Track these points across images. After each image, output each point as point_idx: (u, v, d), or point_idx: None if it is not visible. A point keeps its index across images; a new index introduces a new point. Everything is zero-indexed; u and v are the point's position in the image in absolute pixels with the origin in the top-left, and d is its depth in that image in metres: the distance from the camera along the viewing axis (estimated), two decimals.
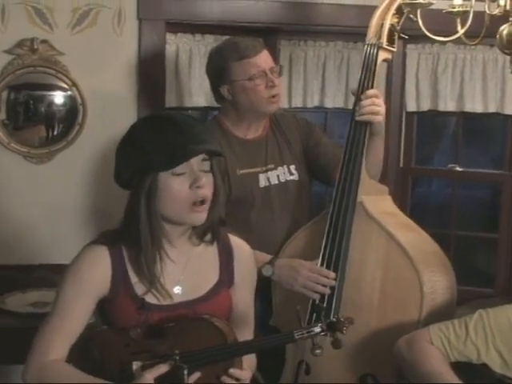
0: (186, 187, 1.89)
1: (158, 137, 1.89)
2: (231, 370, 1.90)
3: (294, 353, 2.63)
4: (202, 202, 1.91)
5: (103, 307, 1.97)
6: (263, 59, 2.72)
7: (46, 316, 1.96)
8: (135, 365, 1.88)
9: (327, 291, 2.53)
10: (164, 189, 1.88)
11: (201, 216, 1.93)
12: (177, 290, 1.98)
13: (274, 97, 2.72)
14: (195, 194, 1.89)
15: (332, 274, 2.54)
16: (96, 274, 1.93)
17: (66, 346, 1.91)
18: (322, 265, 2.57)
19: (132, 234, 1.92)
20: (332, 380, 2.58)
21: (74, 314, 1.91)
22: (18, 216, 3.26)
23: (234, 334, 1.94)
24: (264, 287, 2.59)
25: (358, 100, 2.62)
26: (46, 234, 3.28)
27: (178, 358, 1.86)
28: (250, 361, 2.05)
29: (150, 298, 1.94)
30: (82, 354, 1.94)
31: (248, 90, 2.70)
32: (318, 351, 1.93)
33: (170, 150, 1.87)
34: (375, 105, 2.59)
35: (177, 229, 1.97)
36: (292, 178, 2.83)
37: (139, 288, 1.94)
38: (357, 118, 2.61)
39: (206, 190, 1.91)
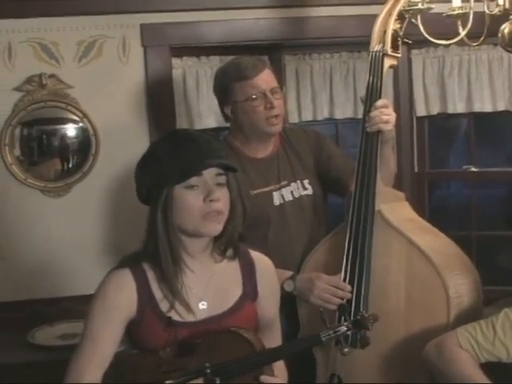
0: (199, 200, 1.91)
1: (174, 151, 1.92)
2: (262, 377, 1.91)
3: (325, 366, 2.62)
4: (216, 213, 1.93)
5: (131, 330, 1.97)
6: (263, 80, 2.71)
7: (77, 345, 1.97)
8: None
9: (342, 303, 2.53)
10: (178, 202, 1.91)
11: (215, 226, 1.94)
12: (202, 305, 1.99)
13: (274, 117, 2.70)
14: (208, 208, 1.91)
15: (348, 288, 2.54)
16: (122, 299, 1.94)
17: (100, 372, 1.92)
18: (345, 276, 2.57)
19: (152, 249, 1.94)
20: None
21: (105, 340, 1.92)
22: (39, 250, 3.29)
23: (261, 343, 1.96)
24: (289, 304, 2.60)
25: (367, 110, 2.63)
26: (68, 266, 3.29)
27: (208, 371, 1.87)
28: (281, 375, 2.05)
29: (176, 316, 1.95)
30: (114, 380, 1.94)
31: (248, 110, 2.71)
32: (346, 350, 1.94)
33: (184, 163, 1.89)
34: (384, 114, 2.60)
35: (196, 242, 1.98)
36: (306, 192, 2.82)
37: (165, 306, 1.95)
38: (368, 130, 2.62)
39: (220, 204, 1.93)
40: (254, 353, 1.92)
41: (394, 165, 2.81)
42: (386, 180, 2.71)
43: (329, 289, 2.54)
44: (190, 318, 1.96)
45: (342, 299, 2.53)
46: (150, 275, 1.96)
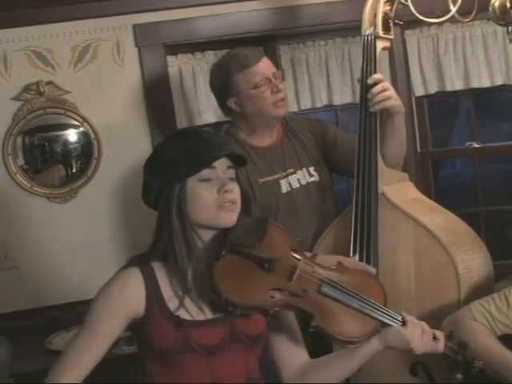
0: (214, 192, 1.90)
1: (183, 147, 1.92)
2: None
3: None
4: (231, 202, 1.92)
5: (139, 331, 1.94)
6: (264, 66, 2.74)
7: (74, 336, 1.93)
8: None
9: None
10: (193, 196, 1.90)
11: (231, 215, 1.92)
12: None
13: (280, 101, 2.73)
14: (223, 198, 1.90)
15: (374, 270, 2.50)
16: (127, 294, 1.90)
17: (90, 365, 1.88)
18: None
19: (162, 247, 1.92)
20: (383, 372, 2.58)
21: (102, 335, 1.88)
22: (51, 257, 3.32)
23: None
24: None
25: (364, 94, 2.63)
26: (81, 270, 3.32)
27: None
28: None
29: (184, 315, 1.91)
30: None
31: (255, 98, 2.72)
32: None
33: (194, 156, 1.89)
34: (385, 90, 2.60)
35: (209, 234, 1.96)
36: (312, 179, 2.83)
37: (173, 305, 1.92)
38: (372, 109, 2.60)
39: (234, 195, 1.92)
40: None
41: (404, 140, 2.80)
42: (395, 155, 2.74)
43: None
44: (199, 317, 1.93)
45: None
46: (159, 273, 1.94)
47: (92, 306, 1.92)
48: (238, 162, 1.98)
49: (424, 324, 1.97)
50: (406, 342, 1.94)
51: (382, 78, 2.63)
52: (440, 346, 1.96)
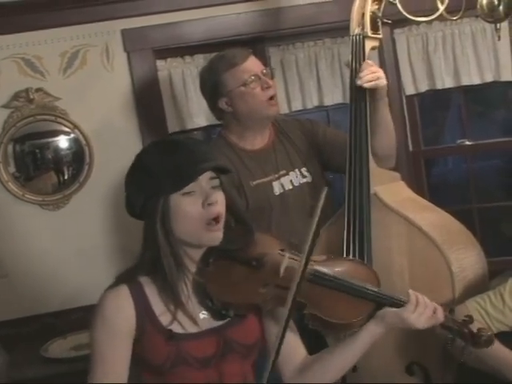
0: (198, 206, 1.86)
1: (165, 159, 1.87)
2: None
3: None
4: (217, 220, 1.88)
5: (133, 349, 1.90)
6: (252, 63, 2.75)
7: (90, 371, 1.89)
8: None
9: None
10: (176, 210, 1.86)
11: (217, 235, 1.89)
12: (202, 315, 1.93)
13: (271, 99, 2.74)
14: (208, 212, 1.87)
15: None
16: (122, 318, 1.87)
17: None
18: None
19: (153, 260, 1.88)
20: (379, 373, 2.58)
21: (115, 362, 1.86)
22: (45, 265, 3.31)
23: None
24: None
25: (353, 90, 2.61)
26: (75, 277, 3.31)
27: None
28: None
29: (177, 328, 1.88)
30: None
31: (245, 95, 2.72)
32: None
33: (177, 171, 1.85)
34: (373, 72, 2.60)
35: (197, 251, 1.94)
36: (305, 180, 2.83)
37: (165, 320, 1.88)
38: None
39: (219, 207, 1.89)
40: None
41: (393, 131, 2.79)
42: (387, 148, 2.73)
43: None
44: (192, 329, 1.90)
45: None
46: (148, 289, 1.90)
47: (93, 336, 1.88)
48: (223, 169, 1.94)
49: (426, 299, 1.95)
50: (405, 321, 1.93)
51: (371, 62, 2.63)
52: (439, 316, 1.95)
